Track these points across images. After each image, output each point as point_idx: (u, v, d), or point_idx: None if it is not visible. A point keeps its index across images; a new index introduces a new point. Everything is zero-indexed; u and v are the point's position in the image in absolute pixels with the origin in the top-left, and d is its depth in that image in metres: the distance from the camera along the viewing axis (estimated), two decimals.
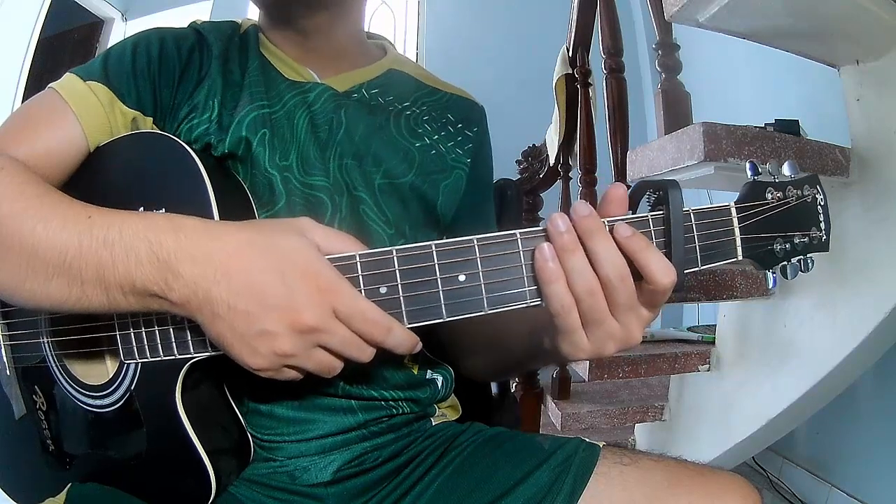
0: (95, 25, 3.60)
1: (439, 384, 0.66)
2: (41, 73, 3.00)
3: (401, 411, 0.63)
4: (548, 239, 0.42)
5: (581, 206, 0.42)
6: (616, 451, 0.58)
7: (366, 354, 0.43)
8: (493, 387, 0.88)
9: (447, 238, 0.67)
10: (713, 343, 1.45)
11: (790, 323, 1.22)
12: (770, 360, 1.27)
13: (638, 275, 0.42)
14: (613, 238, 0.42)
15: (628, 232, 0.42)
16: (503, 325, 0.59)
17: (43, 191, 0.46)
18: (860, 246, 1.05)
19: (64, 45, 3.51)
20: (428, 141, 0.65)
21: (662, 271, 0.41)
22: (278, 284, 0.40)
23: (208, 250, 0.41)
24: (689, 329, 1.59)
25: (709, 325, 1.57)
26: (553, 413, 1.50)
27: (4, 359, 0.60)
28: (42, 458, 0.60)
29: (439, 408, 0.69)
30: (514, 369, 0.78)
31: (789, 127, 1.11)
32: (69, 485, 0.56)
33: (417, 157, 0.64)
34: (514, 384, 1.57)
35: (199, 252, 0.41)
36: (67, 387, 0.56)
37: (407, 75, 0.70)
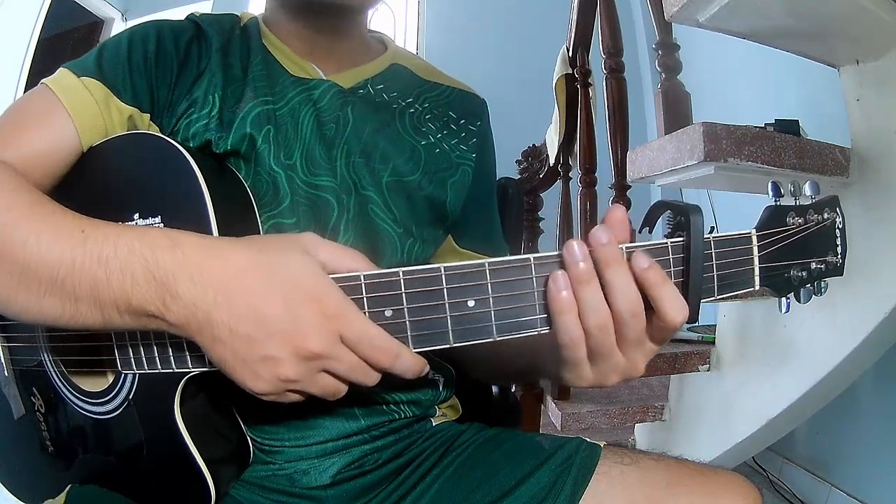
0: (95, 25, 3.60)
1: (440, 385, 0.66)
2: (41, 73, 2.98)
3: (403, 415, 0.62)
4: (562, 266, 0.40)
5: (601, 234, 0.39)
6: (617, 451, 0.57)
7: (371, 379, 0.42)
8: (494, 387, 0.88)
9: (453, 232, 0.66)
10: (713, 343, 1.45)
11: (790, 323, 1.22)
12: (770, 360, 1.27)
13: (649, 306, 0.40)
14: (630, 267, 0.40)
15: (645, 263, 0.39)
16: (504, 348, 0.58)
17: (35, 199, 0.44)
18: (860, 246, 1.04)
19: (64, 45, 3.50)
20: (432, 139, 0.65)
21: (676, 309, 0.40)
22: (282, 309, 0.39)
23: (208, 271, 0.39)
24: (689, 329, 1.58)
25: (709, 325, 1.57)
26: (553, 413, 1.50)
27: (2, 360, 0.60)
28: (41, 458, 0.59)
29: (439, 408, 0.69)
30: (515, 381, 0.77)
31: (789, 127, 1.11)
32: (69, 486, 0.56)
33: (423, 155, 0.63)
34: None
35: (199, 272, 0.39)
36: (65, 391, 0.56)
37: (408, 70, 0.69)
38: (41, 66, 3.02)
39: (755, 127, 1.07)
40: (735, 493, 0.53)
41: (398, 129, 0.63)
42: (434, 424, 0.67)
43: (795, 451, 1.89)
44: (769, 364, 1.27)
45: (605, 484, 0.54)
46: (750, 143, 1.01)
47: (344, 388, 0.42)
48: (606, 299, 0.40)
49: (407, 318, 0.41)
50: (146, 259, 0.39)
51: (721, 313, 1.44)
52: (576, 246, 0.39)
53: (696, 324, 1.89)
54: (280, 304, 0.39)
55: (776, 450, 1.91)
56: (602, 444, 0.58)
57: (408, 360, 0.41)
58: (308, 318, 0.39)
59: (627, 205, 1.48)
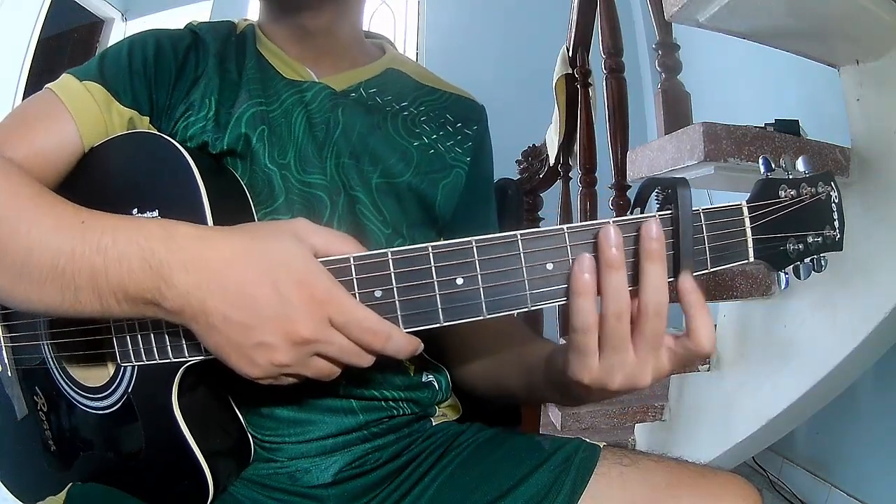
0: (95, 25, 3.60)
1: (437, 386, 0.66)
2: (41, 73, 3.00)
3: (401, 412, 0.62)
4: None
5: (654, 227, 0.40)
6: (616, 452, 0.57)
7: (365, 361, 0.43)
8: None
9: (446, 236, 0.67)
10: None
11: (790, 323, 1.22)
12: (770, 360, 1.27)
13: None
14: (677, 283, 0.41)
15: (690, 286, 0.41)
16: (501, 368, 0.60)
17: (37, 192, 0.46)
18: (860, 246, 1.04)
19: (64, 45, 3.51)
20: (426, 140, 0.65)
21: (708, 337, 0.41)
22: (273, 295, 0.40)
23: (202, 260, 0.40)
24: None
25: None
26: (553, 413, 1.50)
27: (6, 360, 0.60)
28: (43, 457, 0.60)
29: (439, 408, 0.69)
30: (512, 401, 0.77)
31: (789, 127, 1.11)
32: (70, 484, 0.56)
33: (416, 157, 0.63)
34: None
35: (192, 261, 0.40)
36: (67, 388, 0.56)
37: (405, 75, 0.70)
38: (41, 66, 3.02)
39: (755, 127, 1.07)
40: (735, 494, 0.53)
41: (390, 131, 0.64)
42: (434, 424, 0.67)
43: (795, 451, 1.89)
44: (769, 364, 1.27)
45: (604, 485, 0.54)
46: (750, 143, 1.01)
47: (337, 371, 0.43)
48: (638, 291, 0.41)
49: (396, 298, 0.42)
50: (142, 248, 0.40)
51: (721, 313, 1.43)
52: (612, 231, 0.40)
53: None
54: (271, 289, 0.40)
55: (776, 450, 1.91)
56: (601, 444, 0.58)
57: (400, 341, 0.42)
58: (298, 304, 0.40)
59: (627, 205, 1.48)
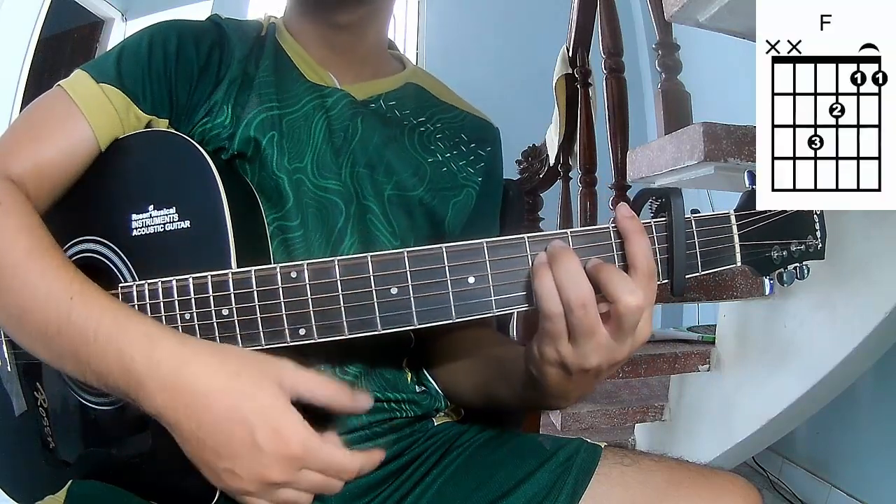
0: (95, 25, 3.60)
1: (432, 395, 0.66)
2: (41, 73, 3.00)
3: (403, 414, 0.63)
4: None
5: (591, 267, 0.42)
6: (617, 452, 0.57)
7: (336, 490, 0.44)
8: None
9: None
10: (713, 343, 1.44)
11: (790, 323, 1.22)
12: (770, 360, 1.27)
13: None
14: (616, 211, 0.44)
15: (628, 213, 0.44)
16: (482, 376, 0.61)
17: (33, 246, 0.46)
18: (860, 246, 1.04)
19: (64, 45, 3.51)
20: (440, 158, 0.66)
21: (646, 258, 0.43)
22: (247, 440, 0.41)
23: (180, 386, 0.41)
24: (689, 329, 1.58)
25: (709, 325, 1.57)
26: (553, 413, 1.50)
27: (6, 355, 0.60)
28: (43, 455, 0.59)
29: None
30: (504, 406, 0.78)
31: None
32: (70, 482, 0.56)
33: (429, 173, 0.64)
34: None
35: (171, 385, 0.41)
36: (69, 383, 0.56)
37: (425, 91, 0.70)
38: (41, 66, 3.02)
39: (755, 127, 1.07)
40: (735, 494, 0.53)
41: (406, 144, 0.64)
42: (436, 424, 0.67)
43: (795, 451, 1.89)
44: (769, 364, 1.27)
45: (605, 485, 0.54)
46: (750, 143, 1.01)
47: (309, 498, 0.44)
48: (606, 295, 0.41)
49: (412, 295, 0.44)
50: (121, 354, 0.42)
51: (721, 313, 1.44)
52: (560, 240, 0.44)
53: (696, 324, 1.90)
54: (246, 434, 0.41)
55: (776, 450, 1.91)
56: (602, 444, 0.58)
57: (369, 464, 0.45)
58: (271, 454, 0.41)
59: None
